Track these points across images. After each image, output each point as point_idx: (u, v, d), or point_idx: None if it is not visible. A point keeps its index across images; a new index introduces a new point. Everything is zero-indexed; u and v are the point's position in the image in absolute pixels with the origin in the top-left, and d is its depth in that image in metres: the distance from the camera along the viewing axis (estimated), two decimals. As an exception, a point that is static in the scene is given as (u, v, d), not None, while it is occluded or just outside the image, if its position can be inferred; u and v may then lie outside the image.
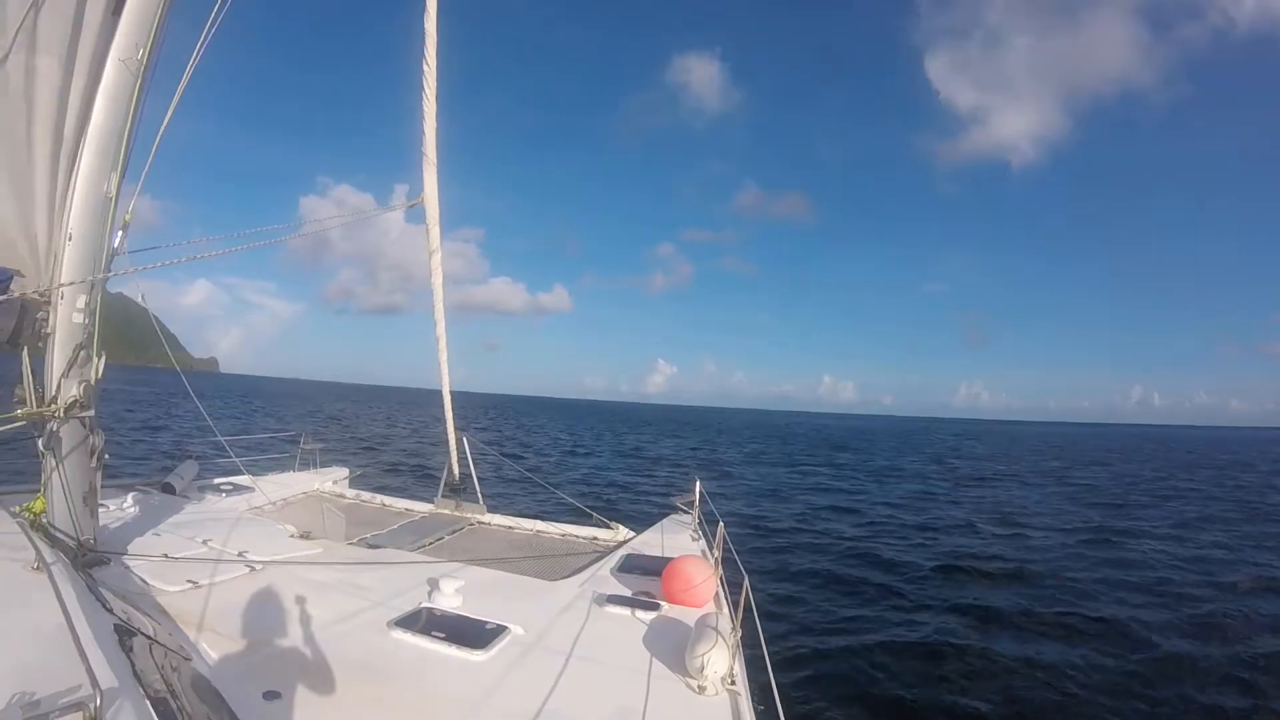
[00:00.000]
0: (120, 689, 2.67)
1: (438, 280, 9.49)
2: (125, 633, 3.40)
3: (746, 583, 4.50)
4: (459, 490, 10.71)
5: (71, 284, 4.77)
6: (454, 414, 10.56)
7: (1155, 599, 14.85)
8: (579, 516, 10.46)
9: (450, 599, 5.31)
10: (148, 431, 36.48)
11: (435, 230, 9.15)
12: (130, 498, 7.96)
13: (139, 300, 5.66)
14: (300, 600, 5.06)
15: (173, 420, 45.70)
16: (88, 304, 4.89)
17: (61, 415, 4.78)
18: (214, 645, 4.19)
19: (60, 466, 4.93)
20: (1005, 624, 12.57)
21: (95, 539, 5.28)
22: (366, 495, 11.26)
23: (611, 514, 10.27)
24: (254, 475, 10.67)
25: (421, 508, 10.69)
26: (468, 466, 10.79)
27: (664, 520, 9.62)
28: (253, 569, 5.76)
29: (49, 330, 4.79)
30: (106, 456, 5.28)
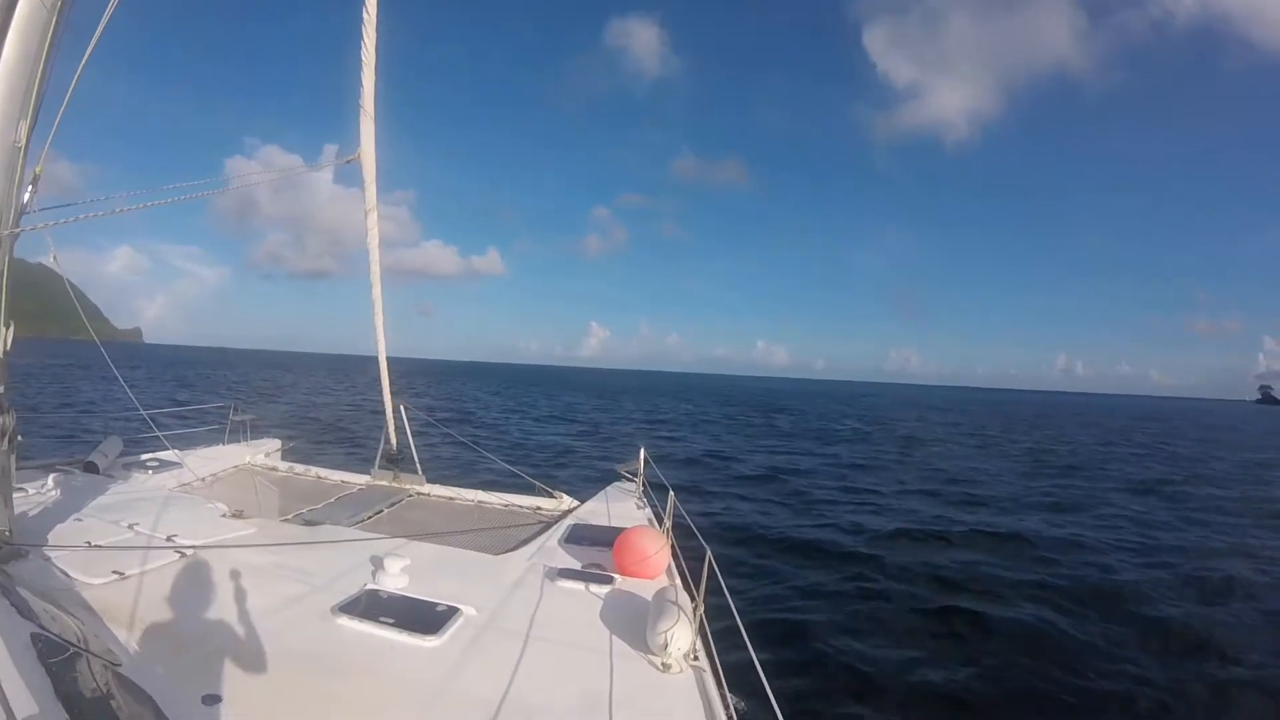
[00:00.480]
0: (40, 716, 2.41)
1: (374, 240, 9.09)
2: (45, 644, 3.10)
3: (709, 555, 4.34)
4: (397, 461, 10.41)
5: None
6: (389, 381, 10.22)
7: (1103, 554, 15.74)
8: (521, 486, 10.26)
9: (396, 579, 5.06)
10: (70, 409, 35.17)
11: (372, 188, 8.73)
12: (50, 480, 7.51)
13: (54, 266, 5.12)
14: (236, 587, 4.76)
15: (96, 396, 44.12)
16: None
17: None
18: (146, 644, 3.88)
19: None
20: (972, 587, 12.78)
21: (10, 530, 4.85)
22: (300, 468, 10.87)
23: (552, 482, 10.11)
24: (181, 450, 10.21)
25: (358, 480, 10.37)
26: (405, 436, 10.49)
27: (608, 489, 9.50)
28: (183, 554, 5.40)
29: None
30: (20, 438, 4.78)
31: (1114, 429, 70.60)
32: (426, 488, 10.02)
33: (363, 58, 7.98)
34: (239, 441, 11.47)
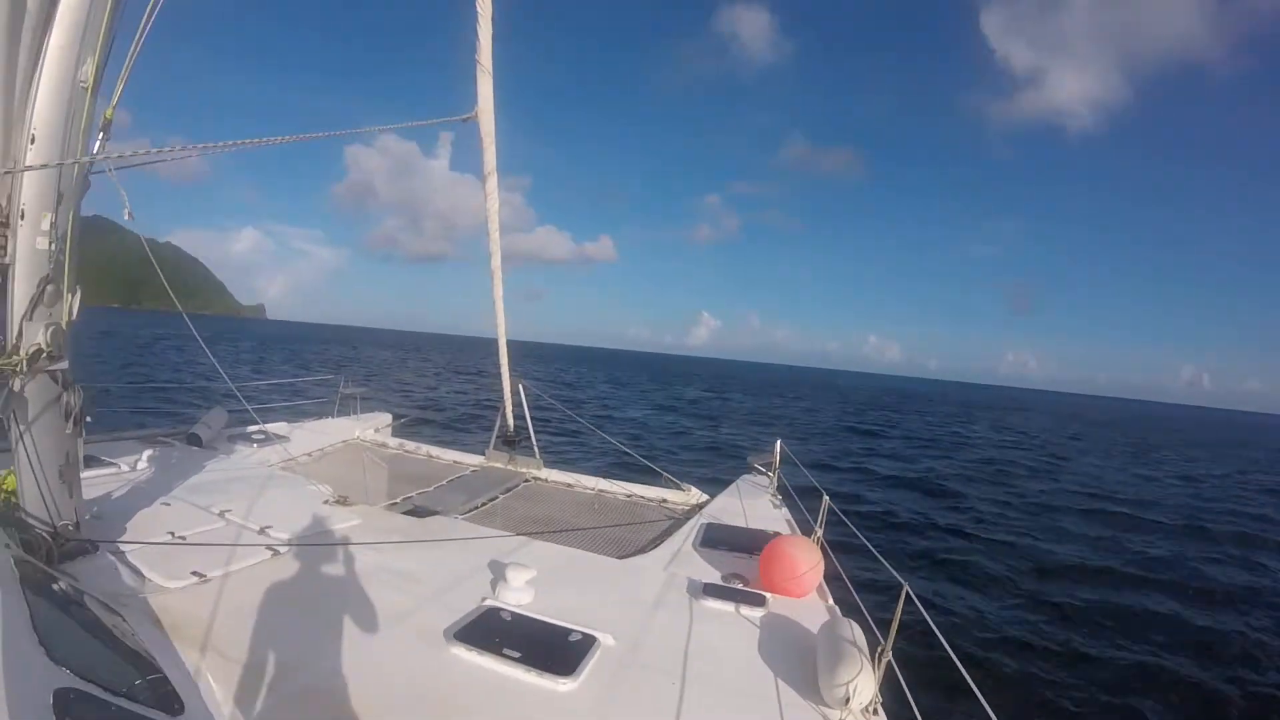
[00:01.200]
0: None
1: (493, 206, 8.51)
2: (76, 701, 2.57)
3: (906, 588, 3.53)
4: (514, 443, 9.97)
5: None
6: (508, 360, 9.75)
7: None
8: (644, 475, 9.63)
9: (519, 593, 4.40)
10: (183, 379, 35.98)
11: (491, 150, 8.08)
12: (147, 454, 7.22)
13: (127, 225, 4.57)
14: (332, 599, 4.21)
15: (209, 366, 45.91)
16: (54, 224, 3.87)
17: (23, 369, 3.80)
18: (218, 674, 3.28)
19: (27, 434, 3.99)
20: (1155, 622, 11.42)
21: (77, 522, 4.37)
22: (411, 445, 10.53)
23: (676, 472, 9.47)
24: (289, 423, 10.08)
25: (471, 460, 9.98)
26: (524, 417, 10.02)
27: (739, 482, 8.76)
28: (275, 552, 4.87)
29: (7, 260, 3.79)
30: (89, 419, 4.30)
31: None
32: (544, 473, 9.54)
33: (478, 9, 7.38)
34: (349, 415, 11.25)
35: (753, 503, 7.76)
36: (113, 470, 6.56)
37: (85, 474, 5.99)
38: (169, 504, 5.75)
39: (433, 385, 46.34)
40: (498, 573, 4.62)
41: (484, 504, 7.93)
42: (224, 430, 9.06)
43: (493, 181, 8.33)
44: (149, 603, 3.85)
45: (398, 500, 7.68)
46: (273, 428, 9.49)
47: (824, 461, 25.96)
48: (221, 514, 5.56)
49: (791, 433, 34.95)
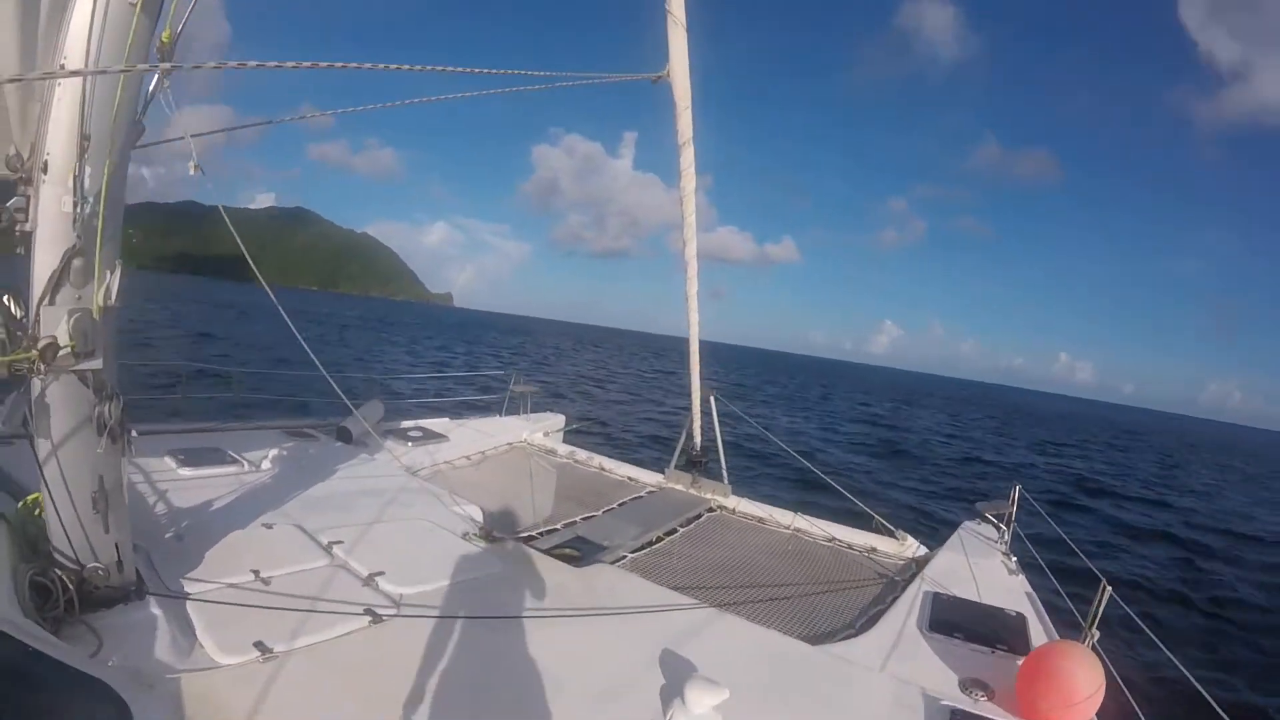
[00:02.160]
0: None
1: (689, 184, 7.22)
2: None
3: None
4: (699, 464, 8.84)
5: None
6: (699, 365, 8.67)
7: None
8: (842, 506, 8.36)
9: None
10: (357, 364, 35.86)
11: (686, 116, 6.82)
12: (284, 449, 6.77)
13: (195, 178, 3.60)
14: (443, 698, 3.11)
15: (382, 353, 46.63)
16: (84, 183, 2.83)
17: (40, 364, 2.81)
18: None
19: (51, 451, 3.01)
20: None
21: (118, 561, 3.31)
22: (582, 455, 9.62)
23: (880, 507, 8.15)
24: (453, 419, 9.57)
25: (649, 479, 8.93)
26: (713, 433, 8.88)
27: (961, 532, 7.30)
28: (375, 617, 3.74)
29: (28, 226, 2.82)
30: (134, 434, 3.27)
31: None
32: (731, 501, 8.34)
33: None
34: (518, 414, 10.56)
35: (983, 564, 6.39)
36: (234, 469, 5.98)
37: (201, 472, 5.67)
38: (272, 525, 4.86)
39: (610, 382, 45.05)
40: (675, 676, 3.39)
41: (659, 539, 6.87)
42: (379, 425, 8.43)
43: (689, 154, 7.02)
44: (182, 686, 2.84)
45: (558, 526, 6.74)
46: (432, 424, 9.05)
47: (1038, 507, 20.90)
48: (329, 547, 4.59)
49: (993, 472, 28.99)
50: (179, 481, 5.51)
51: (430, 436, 8.56)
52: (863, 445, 31.67)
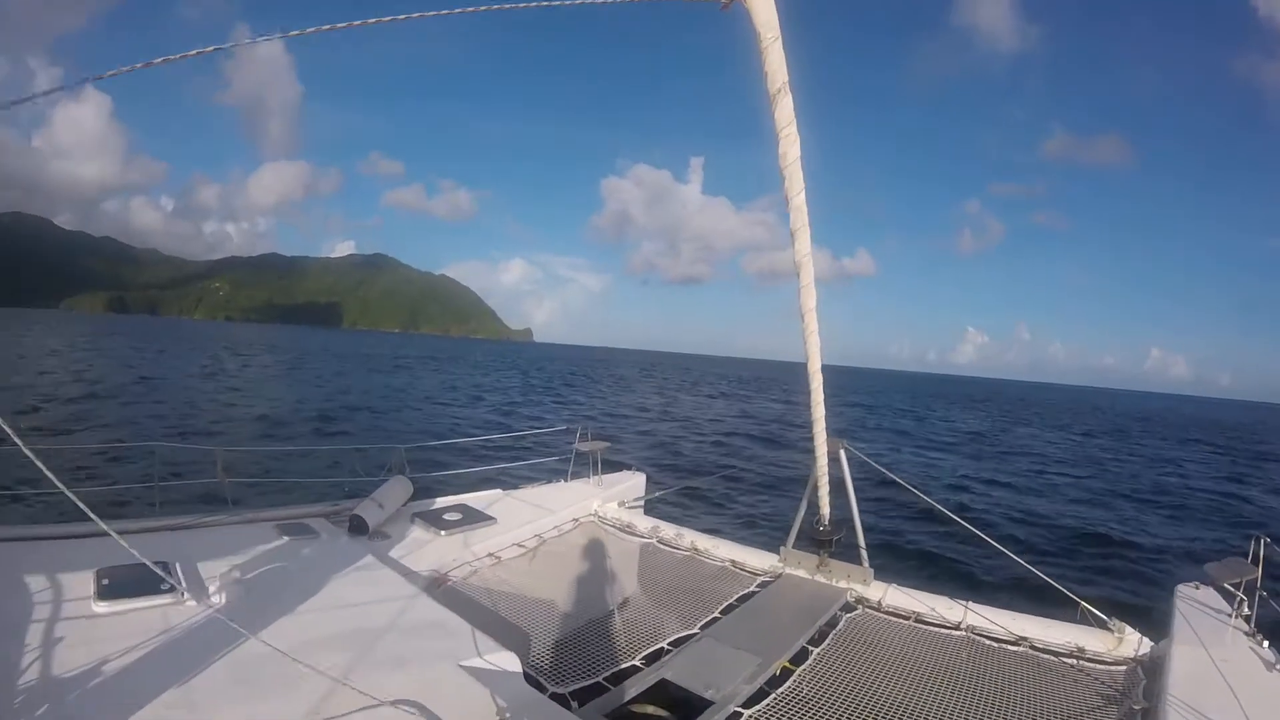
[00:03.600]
0: None
1: (792, 149, 4.72)
2: None
3: None
4: (829, 542, 6.59)
5: None
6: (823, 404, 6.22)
7: None
8: (1023, 589, 6.78)
9: None
10: (403, 417, 32.68)
11: (775, 50, 4.30)
12: (269, 552, 5.40)
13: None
14: None
15: (438, 400, 43.31)
16: None
17: None
18: None
19: None
20: None
21: None
22: (669, 530, 7.57)
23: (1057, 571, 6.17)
24: (506, 489, 8.00)
25: (759, 562, 6.87)
26: (845, 499, 6.57)
27: (1180, 605, 5.52)
28: None
29: None
30: None
31: None
32: (874, 590, 6.22)
33: None
34: (585, 476, 8.73)
35: (1231, 657, 4.66)
36: (166, 600, 4.28)
37: (120, 606, 4.11)
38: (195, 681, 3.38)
39: (698, 424, 38.50)
40: None
41: (787, 669, 4.81)
42: (405, 508, 6.94)
43: (786, 107, 4.54)
44: None
45: (638, 662, 4.87)
46: (477, 499, 7.52)
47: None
48: None
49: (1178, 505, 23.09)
50: (90, 621, 3.97)
51: (472, 518, 6.94)
52: (995, 481, 25.22)
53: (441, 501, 7.40)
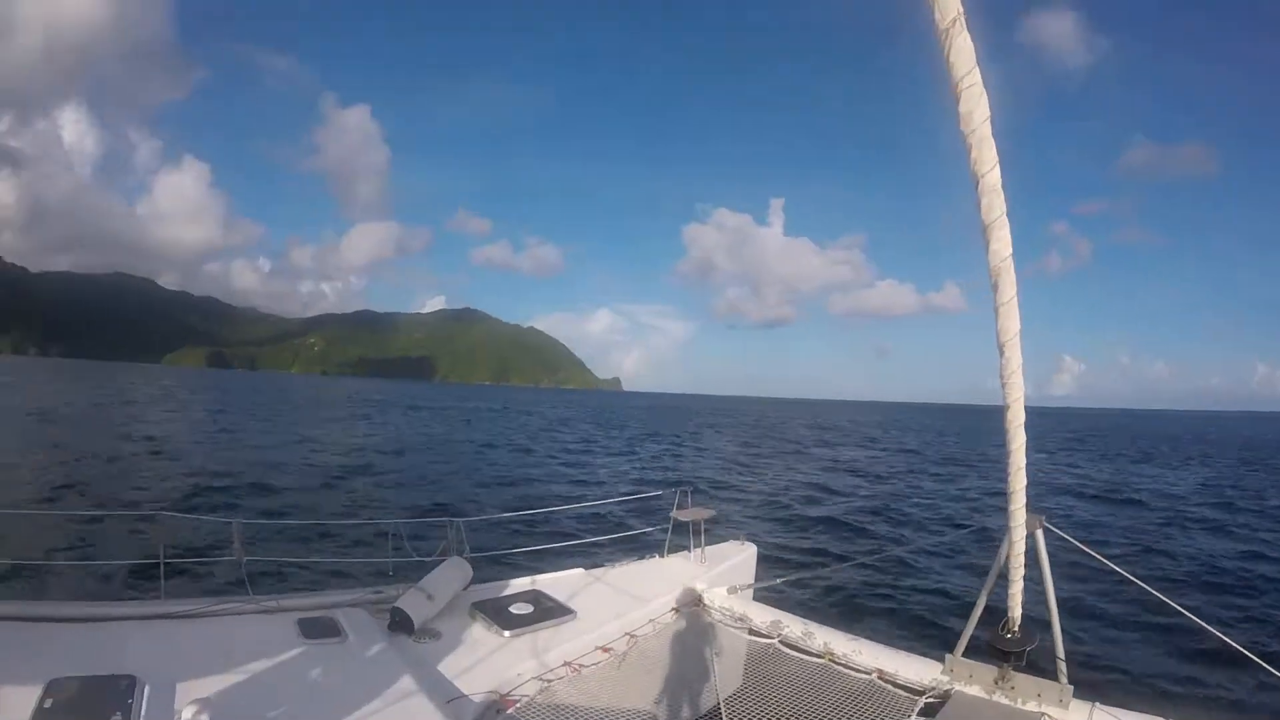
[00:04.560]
0: None
1: (979, 111, 3.21)
2: None
3: None
4: (1016, 654, 4.83)
5: None
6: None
7: None
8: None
9: None
10: (470, 476, 28.56)
11: None
12: (284, 661, 4.35)
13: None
14: None
15: (510, 452, 38.97)
16: None
17: None
18: None
19: None
20: None
21: None
22: (795, 625, 5.91)
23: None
24: (588, 569, 6.83)
25: (918, 675, 5.21)
26: (1043, 594, 4.84)
27: None
28: None
29: None
30: None
31: None
32: (1074, 714, 4.61)
33: None
34: (684, 551, 7.29)
35: None
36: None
37: None
38: None
39: (812, 479, 32.37)
40: None
41: None
42: (463, 595, 5.71)
43: (962, 47, 3.07)
44: None
45: None
46: (554, 581, 6.44)
47: None
48: None
49: None
50: None
51: (545, 611, 5.65)
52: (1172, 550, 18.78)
53: (508, 586, 6.20)
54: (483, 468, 30.59)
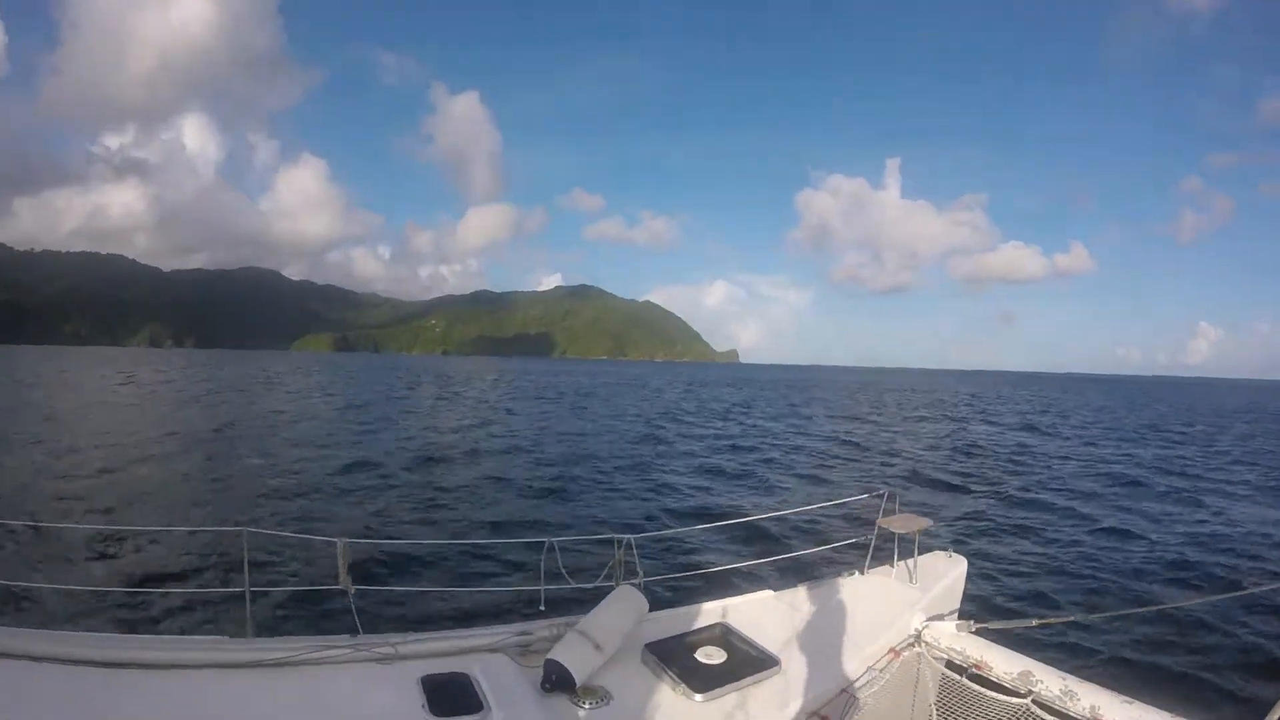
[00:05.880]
0: None
1: None
2: None
3: None
4: None
5: None
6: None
7: None
8: None
9: None
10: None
11: None
12: None
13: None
14: None
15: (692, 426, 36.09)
16: None
17: None
18: None
19: None
20: None
21: None
22: (1051, 679, 4.44)
23: None
24: (778, 588, 5.62)
25: None
26: None
27: None
28: None
29: None
30: None
31: None
32: None
33: None
34: (885, 566, 6.00)
35: None
36: None
37: None
38: None
39: (993, 468, 26.39)
40: None
41: None
42: (634, 636, 4.51)
43: None
44: None
45: None
46: (740, 613, 5.10)
47: None
48: None
49: None
50: None
51: (743, 659, 4.44)
52: None
53: (687, 619, 4.99)
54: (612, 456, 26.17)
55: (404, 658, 4.16)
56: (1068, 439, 37.47)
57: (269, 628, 4.09)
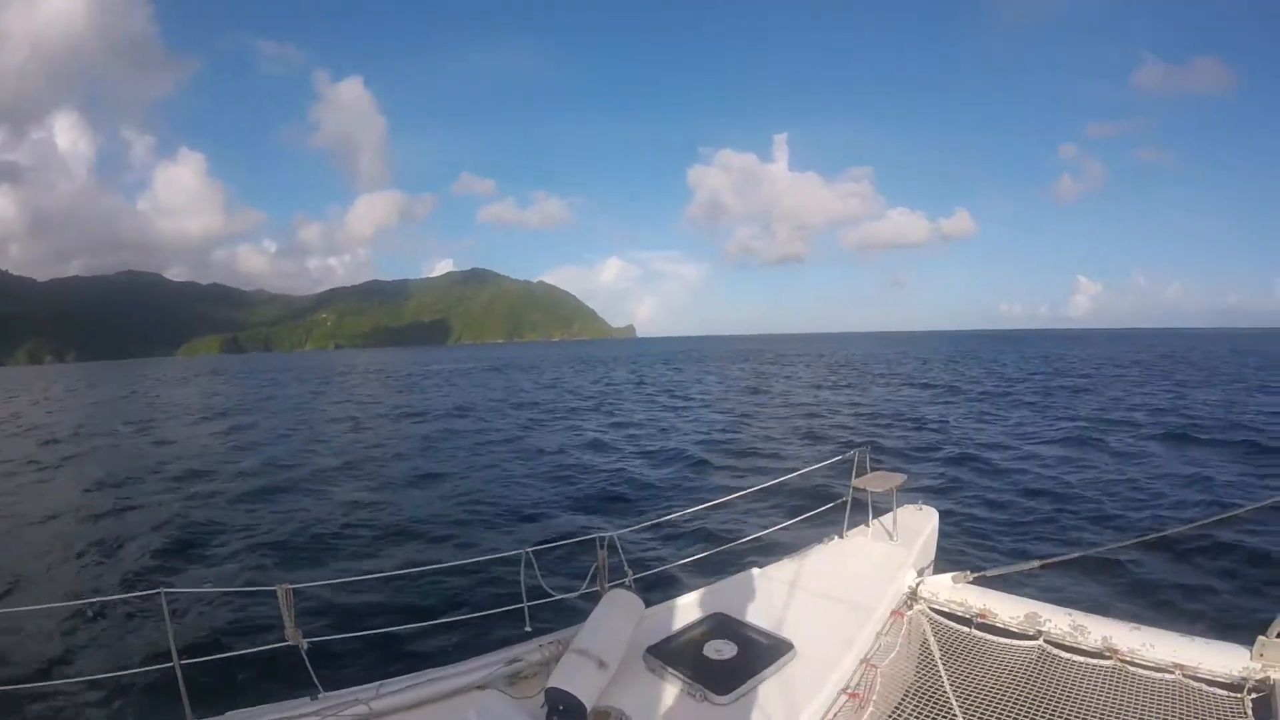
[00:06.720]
0: None
1: None
2: None
3: None
4: None
5: None
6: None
7: None
8: None
9: None
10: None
11: None
12: None
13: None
14: None
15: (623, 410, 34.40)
16: None
17: None
18: None
19: None
20: None
21: None
22: (1060, 618, 4.61)
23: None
24: (764, 557, 5.67)
25: (1226, 666, 4.01)
26: None
27: None
28: None
29: None
30: None
31: None
32: None
33: None
34: (861, 526, 6.03)
35: None
36: None
37: None
38: None
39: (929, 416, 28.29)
40: None
41: None
42: (634, 641, 4.17)
43: None
44: None
45: None
46: (730, 598, 4.88)
47: None
48: None
49: None
50: None
51: (755, 649, 4.16)
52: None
53: (677, 614, 4.69)
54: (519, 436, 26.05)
55: (380, 715, 3.62)
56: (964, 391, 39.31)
57: (209, 704, 3.56)
